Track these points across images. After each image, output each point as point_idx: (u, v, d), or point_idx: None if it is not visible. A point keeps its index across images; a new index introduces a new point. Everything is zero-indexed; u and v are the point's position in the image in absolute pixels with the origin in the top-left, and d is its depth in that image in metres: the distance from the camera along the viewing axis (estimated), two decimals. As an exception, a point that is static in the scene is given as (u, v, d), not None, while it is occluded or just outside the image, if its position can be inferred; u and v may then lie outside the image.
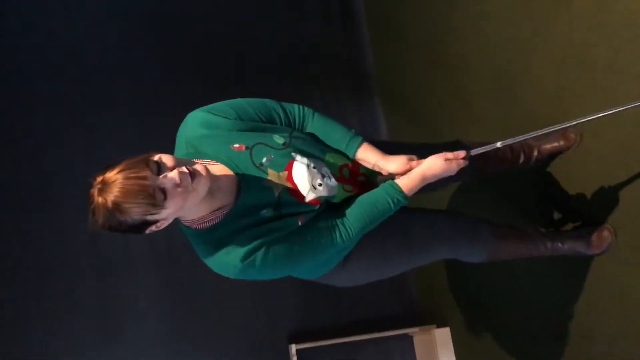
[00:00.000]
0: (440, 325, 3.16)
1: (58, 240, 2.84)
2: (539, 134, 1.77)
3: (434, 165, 1.67)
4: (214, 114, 1.60)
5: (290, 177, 1.58)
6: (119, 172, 1.33)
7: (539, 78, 2.37)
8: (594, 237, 2.14)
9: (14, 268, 2.79)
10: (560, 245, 2.17)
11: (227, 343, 3.00)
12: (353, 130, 1.75)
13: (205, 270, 1.58)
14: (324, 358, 3.11)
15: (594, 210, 2.20)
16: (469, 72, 2.77)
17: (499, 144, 1.73)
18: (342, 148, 1.73)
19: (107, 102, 3.12)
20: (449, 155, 1.69)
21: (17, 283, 2.78)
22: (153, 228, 1.42)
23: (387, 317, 3.30)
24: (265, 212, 1.52)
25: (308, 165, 1.60)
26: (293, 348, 3.02)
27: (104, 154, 2.86)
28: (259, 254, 1.48)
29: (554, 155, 2.31)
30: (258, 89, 3.17)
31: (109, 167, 1.35)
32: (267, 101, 1.72)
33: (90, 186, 1.37)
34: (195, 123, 1.60)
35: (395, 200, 1.64)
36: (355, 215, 1.62)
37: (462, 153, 1.71)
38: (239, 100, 1.67)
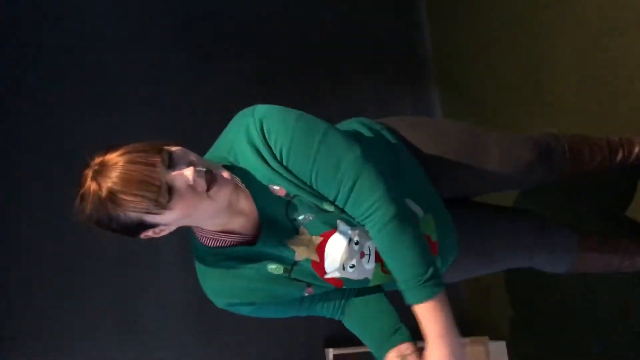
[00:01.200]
0: (493, 337, 2.86)
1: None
2: None
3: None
4: (264, 138, 1.24)
5: (321, 247, 1.30)
6: (122, 154, 1.09)
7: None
8: None
9: (40, 258, 2.60)
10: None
11: (262, 344, 2.77)
12: (431, 272, 1.25)
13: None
14: (364, 366, 2.83)
15: None
16: (543, 56, 2.46)
17: None
18: (401, 287, 1.28)
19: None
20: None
21: (44, 269, 2.60)
22: (150, 233, 1.18)
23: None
24: (274, 269, 1.30)
25: (350, 240, 1.31)
26: (330, 353, 2.77)
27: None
28: (245, 309, 1.38)
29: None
30: (308, 73, 3.15)
31: (112, 147, 1.11)
32: (344, 167, 1.25)
33: (87, 165, 1.12)
34: (245, 137, 1.25)
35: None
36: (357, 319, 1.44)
37: None
38: (311, 139, 1.25)
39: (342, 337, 2.85)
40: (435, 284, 1.25)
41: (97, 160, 1.12)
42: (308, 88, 3.07)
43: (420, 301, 1.25)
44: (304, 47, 3.18)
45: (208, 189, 1.15)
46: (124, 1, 3.02)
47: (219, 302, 1.39)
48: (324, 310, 1.46)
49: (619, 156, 1.92)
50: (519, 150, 1.65)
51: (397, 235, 1.26)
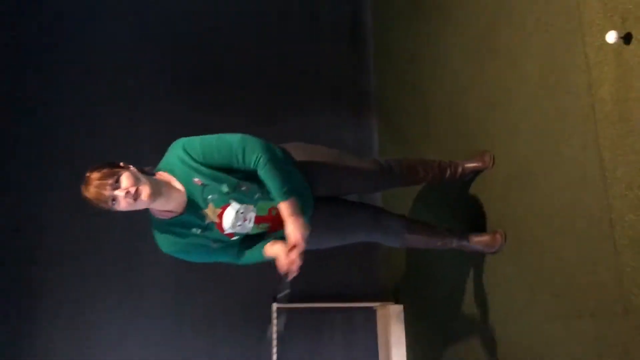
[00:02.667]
0: (397, 302, 3.84)
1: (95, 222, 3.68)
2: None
3: (278, 250, 2.25)
4: (188, 153, 2.20)
5: (221, 215, 2.27)
6: (97, 177, 2.08)
7: (475, 109, 3.04)
8: (489, 239, 2.78)
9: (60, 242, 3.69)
10: (465, 242, 2.82)
11: (220, 298, 3.80)
12: (286, 189, 2.23)
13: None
14: (299, 318, 3.84)
15: (494, 218, 2.85)
16: (434, 105, 3.44)
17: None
18: (272, 196, 2.27)
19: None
20: (292, 254, 2.18)
21: (61, 254, 3.68)
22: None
23: (356, 292, 3.99)
24: (195, 231, 2.28)
25: (237, 211, 2.27)
26: (274, 306, 3.75)
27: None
28: (181, 254, 2.35)
29: (474, 173, 2.95)
30: (264, 101, 4.09)
31: (96, 168, 2.11)
32: (235, 143, 2.22)
33: (83, 175, 2.12)
34: (175, 153, 2.24)
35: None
36: (246, 257, 2.42)
37: (296, 265, 2.21)
38: (212, 142, 2.22)
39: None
40: (289, 195, 2.23)
41: (87, 174, 2.09)
42: (267, 115, 3.97)
43: (280, 201, 2.22)
44: (266, 78, 4.09)
45: (135, 199, 2.12)
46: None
47: (166, 250, 2.34)
48: (227, 256, 2.43)
49: (447, 174, 2.89)
50: (366, 164, 2.64)
51: (271, 171, 2.23)
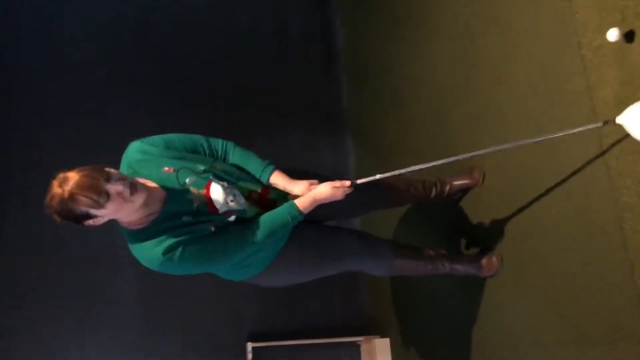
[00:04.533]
0: (383, 335, 3.57)
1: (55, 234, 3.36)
2: (415, 169, 2.16)
3: (323, 190, 2.08)
4: (148, 144, 2.01)
5: (207, 194, 2.00)
6: (78, 172, 1.77)
7: (462, 120, 2.86)
8: (484, 261, 2.56)
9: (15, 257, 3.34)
10: (458, 266, 2.57)
11: (193, 336, 3.47)
12: (267, 161, 2.15)
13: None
14: (276, 357, 3.54)
15: (488, 239, 2.62)
16: (415, 120, 3.27)
17: (378, 176, 2.14)
18: (257, 175, 2.14)
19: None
20: (337, 183, 2.10)
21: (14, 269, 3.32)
22: (90, 222, 1.82)
23: (339, 325, 3.73)
24: (185, 219, 1.94)
25: (223, 186, 2.03)
26: (249, 346, 3.46)
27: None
28: (178, 251, 1.87)
29: (464, 190, 2.75)
30: (236, 120, 3.88)
31: (71, 169, 1.79)
32: (195, 136, 2.12)
33: (53, 178, 1.79)
34: (133, 150, 2.02)
35: (292, 215, 2.06)
36: (261, 224, 2.04)
37: (347, 182, 2.12)
38: (170, 135, 2.09)
39: (262, 333, 3.58)
40: (271, 165, 2.15)
41: (61, 175, 1.78)
42: (240, 137, 3.70)
43: (270, 173, 2.13)
44: (234, 93, 3.91)
45: (131, 194, 1.81)
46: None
47: (155, 261, 1.87)
48: (241, 234, 2.03)
49: (434, 193, 2.69)
50: None
51: (242, 151, 2.16)
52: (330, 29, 4.27)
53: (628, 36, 1.99)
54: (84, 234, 3.29)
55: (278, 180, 2.14)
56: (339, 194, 2.10)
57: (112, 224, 1.92)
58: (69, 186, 1.73)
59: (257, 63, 4.02)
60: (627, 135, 1.96)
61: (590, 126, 2.03)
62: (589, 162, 2.13)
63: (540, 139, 2.13)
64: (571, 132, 2.05)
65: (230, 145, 2.16)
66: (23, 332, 3.28)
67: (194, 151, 2.09)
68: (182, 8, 4.02)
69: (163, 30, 3.93)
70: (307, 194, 2.11)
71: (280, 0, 4.24)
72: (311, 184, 2.13)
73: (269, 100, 3.99)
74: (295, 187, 2.13)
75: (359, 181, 2.15)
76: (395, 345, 3.50)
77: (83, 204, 1.75)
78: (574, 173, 2.20)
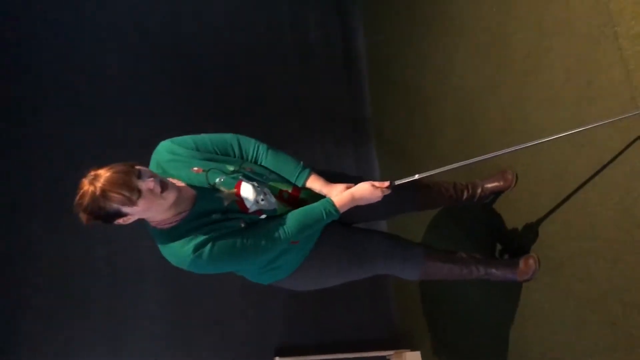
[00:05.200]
0: (414, 349, 3.45)
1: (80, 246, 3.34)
2: (454, 167, 2.10)
3: (362, 189, 2.05)
4: (178, 145, 1.99)
5: (238, 192, 1.96)
6: (109, 169, 1.73)
7: (492, 122, 2.76)
8: (521, 264, 2.44)
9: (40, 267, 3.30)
10: (493, 270, 2.45)
11: (219, 348, 3.39)
12: (302, 163, 2.11)
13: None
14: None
15: (523, 241, 2.51)
16: (441, 125, 3.17)
17: (417, 176, 2.10)
18: (293, 180, 2.09)
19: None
20: (376, 183, 2.07)
21: (39, 282, 3.28)
22: (120, 221, 1.79)
23: (368, 339, 3.62)
24: (215, 216, 1.89)
25: (254, 185, 1.99)
26: (277, 360, 3.38)
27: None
28: (207, 247, 1.83)
29: (496, 193, 2.64)
30: (257, 130, 3.78)
31: (101, 166, 1.76)
32: (227, 136, 2.08)
33: (84, 176, 1.75)
34: (163, 150, 2.00)
35: (327, 211, 2.00)
36: (293, 219, 1.98)
37: (386, 182, 2.08)
38: (202, 135, 2.05)
39: (289, 347, 3.48)
40: (306, 168, 2.10)
41: (92, 172, 1.75)
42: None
43: (306, 177, 2.08)
44: (265, 105, 3.90)
45: (162, 192, 1.78)
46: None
47: (186, 259, 1.81)
48: (272, 230, 1.97)
49: (465, 196, 2.59)
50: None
51: (275, 154, 2.10)
52: (352, 34, 4.24)
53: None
54: (109, 248, 3.33)
55: (314, 184, 2.10)
56: (378, 195, 2.05)
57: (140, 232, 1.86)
58: (100, 183, 1.70)
59: (278, 72, 4.02)
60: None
61: (629, 114, 1.93)
62: (629, 155, 2.00)
63: (577, 130, 2.03)
64: (608, 121, 1.95)
65: (263, 148, 2.11)
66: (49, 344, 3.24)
67: (224, 153, 2.06)
68: (204, 16, 4.02)
69: (185, 39, 3.95)
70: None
71: (301, 10, 4.22)
72: (347, 187, 2.07)
73: (290, 109, 3.98)
74: (333, 190, 2.07)
75: (398, 182, 2.09)
76: (427, 358, 3.37)
77: (115, 201, 1.71)
78: (612, 167, 2.07)
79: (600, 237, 2.14)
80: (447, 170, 2.12)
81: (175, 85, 3.81)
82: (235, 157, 2.08)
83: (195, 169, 1.97)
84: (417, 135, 3.48)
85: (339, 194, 2.06)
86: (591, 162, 2.16)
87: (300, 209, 2.02)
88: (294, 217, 1.99)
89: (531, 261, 2.43)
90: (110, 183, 1.69)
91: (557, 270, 2.36)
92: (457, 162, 2.11)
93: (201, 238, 1.84)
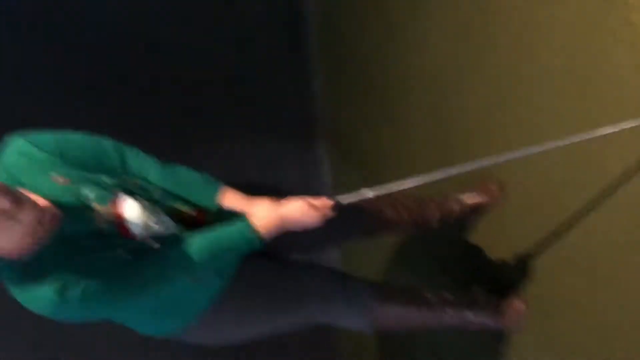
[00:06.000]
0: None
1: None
2: (421, 182, 1.66)
3: (294, 209, 1.61)
4: (36, 146, 1.54)
5: (118, 212, 1.51)
6: None
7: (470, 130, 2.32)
8: (504, 307, 2.01)
9: None
10: (468, 314, 1.99)
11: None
12: (207, 176, 1.69)
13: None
14: None
15: (508, 277, 2.09)
16: (410, 121, 2.72)
17: (371, 194, 1.66)
18: (200, 202, 1.66)
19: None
20: (315, 201, 1.61)
21: None
22: None
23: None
24: (85, 243, 1.45)
25: (142, 204, 1.55)
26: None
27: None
28: (77, 287, 1.40)
29: (475, 211, 2.17)
30: (193, 124, 3.31)
31: None
32: (104, 142, 1.64)
33: None
34: (13, 150, 1.55)
35: (246, 238, 1.59)
36: (196, 246, 1.55)
37: (328, 201, 1.63)
38: (68, 135, 1.61)
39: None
40: (217, 182, 1.66)
41: None
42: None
43: (216, 195, 1.64)
44: (194, 92, 3.33)
45: (16, 211, 1.31)
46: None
47: (47, 304, 1.42)
48: (167, 264, 1.57)
49: (436, 215, 2.10)
50: None
51: (174, 170, 1.66)
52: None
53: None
54: None
55: (232, 202, 1.66)
56: (316, 218, 1.61)
57: None
58: None
59: (207, 52, 3.43)
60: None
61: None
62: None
63: (585, 137, 1.61)
64: (620, 128, 1.54)
65: (154, 163, 1.67)
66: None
67: (98, 163, 1.63)
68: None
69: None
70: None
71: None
72: (276, 202, 1.64)
73: (210, 92, 3.40)
74: (259, 210, 1.63)
75: (345, 201, 1.66)
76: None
77: None
78: (621, 184, 1.69)
79: (604, 272, 1.75)
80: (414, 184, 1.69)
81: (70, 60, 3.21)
82: (111, 164, 1.64)
83: (61, 180, 1.51)
84: (379, 135, 3.04)
85: (264, 213, 1.61)
86: (594, 177, 1.79)
87: (209, 233, 1.58)
88: (198, 245, 1.56)
89: (517, 304, 2.00)
90: None
91: (556, 312, 1.97)
92: (427, 173, 1.69)
93: (68, 275, 1.41)
